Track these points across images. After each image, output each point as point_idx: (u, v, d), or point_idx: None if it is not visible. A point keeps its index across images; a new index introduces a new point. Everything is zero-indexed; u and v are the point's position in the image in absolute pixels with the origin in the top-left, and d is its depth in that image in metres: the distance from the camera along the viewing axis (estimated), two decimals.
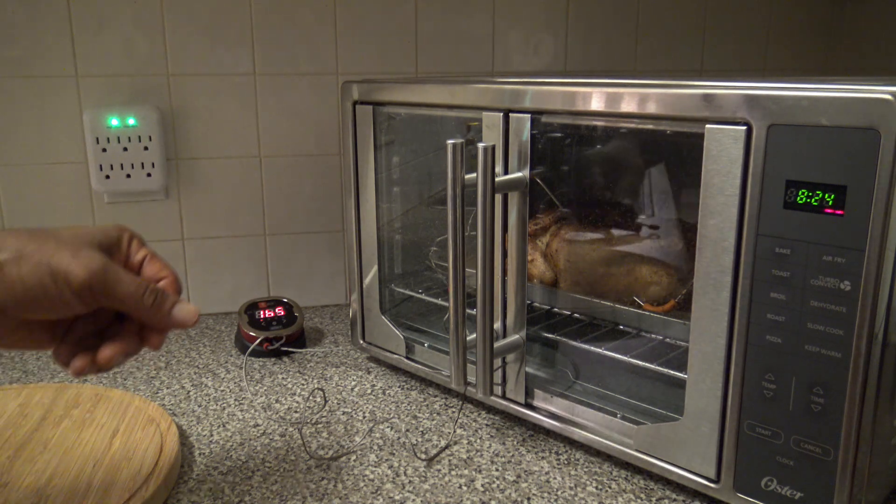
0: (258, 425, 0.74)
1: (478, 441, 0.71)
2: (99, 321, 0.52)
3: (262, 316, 0.93)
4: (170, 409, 0.77)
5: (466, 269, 0.65)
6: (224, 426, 0.74)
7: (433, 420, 0.75)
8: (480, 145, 0.61)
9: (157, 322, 0.51)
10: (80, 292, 0.47)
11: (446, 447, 0.70)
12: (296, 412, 0.77)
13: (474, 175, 0.62)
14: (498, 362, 0.72)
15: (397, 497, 0.62)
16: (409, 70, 1.05)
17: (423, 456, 0.68)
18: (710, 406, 0.57)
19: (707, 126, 0.53)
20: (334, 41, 1.01)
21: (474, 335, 0.66)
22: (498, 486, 0.63)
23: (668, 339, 0.71)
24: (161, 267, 0.54)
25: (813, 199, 0.49)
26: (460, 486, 0.63)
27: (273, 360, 0.91)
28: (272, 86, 1.01)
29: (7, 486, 0.60)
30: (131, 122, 0.95)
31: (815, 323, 0.50)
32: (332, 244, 1.09)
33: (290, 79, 1.01)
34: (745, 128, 0.51)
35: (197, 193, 1.02)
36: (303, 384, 0.84)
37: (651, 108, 0.56)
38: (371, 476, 0.65)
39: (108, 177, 0.97)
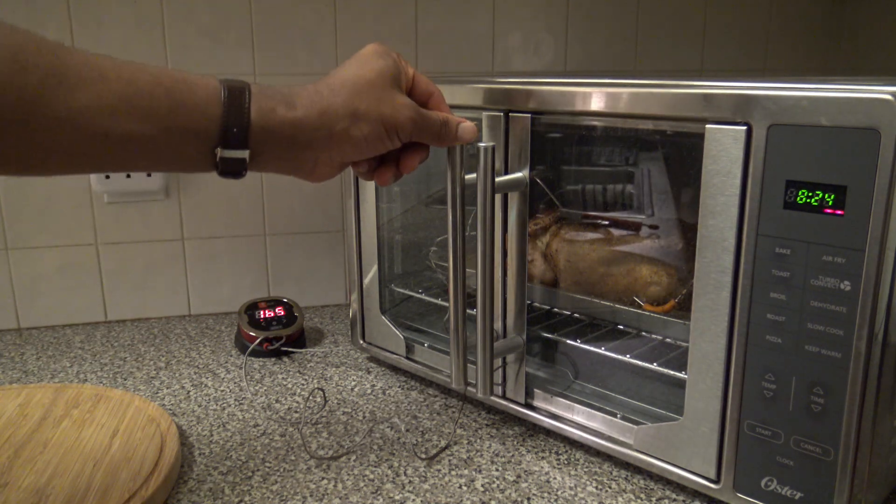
0: (258, 425, 0.74)
1: (478, 441, 0.71)
2: None
3: (262, 316, 0.93)
4: (170, 409, 0.77)
5: (466, 269, 0.65)
6: (224, 426, 0.74)
7: (433, 420, 0.75)
8: (480, 145, 0.61)
9: (446, 144, 0.60)
10: (404, 138, 0.57)
11: (446, 447, 0.70)
12: (296, 412, 0.77)
13: (474, 175, 0.62)
14: (498, 362, 0.72)
15: (397, 497, 0.62)
16: None
17: (423, 456, 0.68)
18: (710, 406, 0.57)
19: (707, 126, 0.53)
20: (334, 41, 1.01)
21: (474, 335, 0.66)
22: (498, 486, 0.63)
23: (668, 339, 0.71)
24: (426, 81, 0.60)
25: (813, 199, 0.49)
26: (460, 486, 0.63)
27: (273, 360, 0.91)
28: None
29: (7, 486, 0.60)
30: None
31: (815, 323, 0.50)
32: (332, 244, 1.09)
33: (290, 79, 1.01)
34: (745, 128, 0.51)
35: (197, 193, 1.02)
36: (303, 384, 0.84)
37: (651, 108, 0.56)
38: (371, 476, 0.65)
39: (107, 177, 0.97)
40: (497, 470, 0.66)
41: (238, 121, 0.50)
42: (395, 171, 0.60)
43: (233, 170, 0.51)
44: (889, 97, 0.45)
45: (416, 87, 0.59)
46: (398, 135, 0.56)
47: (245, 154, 0.51)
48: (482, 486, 0.63)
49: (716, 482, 0.58)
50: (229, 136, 0.50)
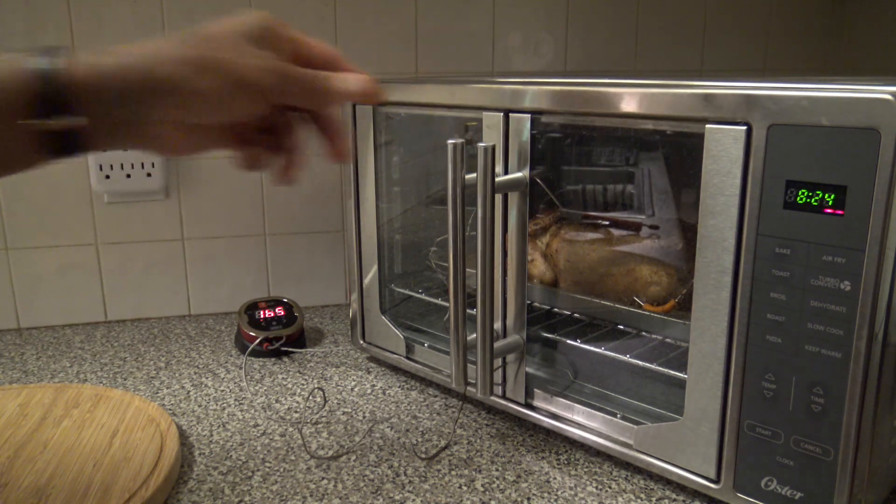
0: (258, 425, 0.74)
1: (478, 441, 0.71)
2: (266, 118, 0.52)
3: (262, 316, 0.93)
4: (170, 409, 0.77)
5: (466, 269, 0.65)
6: (224, 426, 0.74)
7: (433, 420, 0.75)
8: (480, 145, 0.61)
9: (329, 99, 0.52)
10: (271, 97, 0.48)
11: (446, 447, 0.70)
12: (296, 412, 0.77)
13: (474, 175, 0.62)
14: (498, 362, 0.72)
15: (397, 497, 0.62)
16: (409, 70, 1.05)
17: (423, 456, 0.68)
18: (710, 406, 0.57)
19: (707, 126, 0.53)
20: (334, 41, 1.01)
21: (474, 335, 0.66)
22: (498, 486, 0.63)
23: (668, 339, 0.71)
24: (325, 48, 0.53)
25: (813, 199, 0.49)
26: (460, 486, 0.63)
27: (273, 360, 0.91)
28: None
29: (7, 486, 0.60)
30: None
31: (815, 323, 0.50)
32: (332, 244, 1.09)
33: None
34: (745, 128, 0.51)
35: (197, 193, 1.02)
36: (303, 384, 0.84)
37: (651, 108, 0.56)
38: (371, 476, 0.65)
39: (107, 177, 0.97)
40: (497, 470, 0.66)
41: (50, 77, 0.41)
42: (299, 160, 0.54)
43: (61, 146, 0.43)
44: (889, 97, 0.45)
45: (311, 54, 0.53)
46: (261, 93, 0.48)
47: (69, 121, 0.42)
48: (482, 486, 0.63)
49: (716, 482, 0.58)
50: (42, 100, 0.41)
